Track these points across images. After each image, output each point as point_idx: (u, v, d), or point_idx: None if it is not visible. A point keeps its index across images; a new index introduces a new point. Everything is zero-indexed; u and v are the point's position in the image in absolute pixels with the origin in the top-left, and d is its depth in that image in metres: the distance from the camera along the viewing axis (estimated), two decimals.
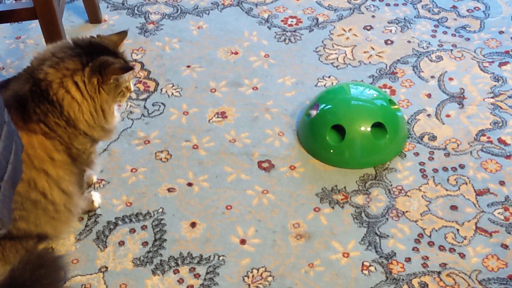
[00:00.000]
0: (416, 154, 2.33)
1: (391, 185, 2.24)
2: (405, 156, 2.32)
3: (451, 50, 2.67)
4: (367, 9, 2.88)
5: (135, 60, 2.67)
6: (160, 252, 2.09)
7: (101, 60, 1.82)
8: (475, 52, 2.66)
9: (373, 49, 2.70)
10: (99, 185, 2.27)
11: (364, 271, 2.04)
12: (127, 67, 1.86)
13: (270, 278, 2.03)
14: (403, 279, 2.01)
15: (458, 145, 2.35)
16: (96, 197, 2.20)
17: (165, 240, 2.12)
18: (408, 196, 2.21)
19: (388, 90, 2.52)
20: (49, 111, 1.82)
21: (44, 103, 1.81)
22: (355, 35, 2.76)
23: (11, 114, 1.78)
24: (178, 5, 2.93)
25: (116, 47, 1.93)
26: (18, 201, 1.81)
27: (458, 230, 2.12)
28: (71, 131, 1.86)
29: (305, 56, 2.68)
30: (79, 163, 1.93)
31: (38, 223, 1.90)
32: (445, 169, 2.28)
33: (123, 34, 1.97)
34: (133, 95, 2.54)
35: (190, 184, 2.27)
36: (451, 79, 2.56)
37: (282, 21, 2.84)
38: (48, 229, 1.94)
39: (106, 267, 2.07)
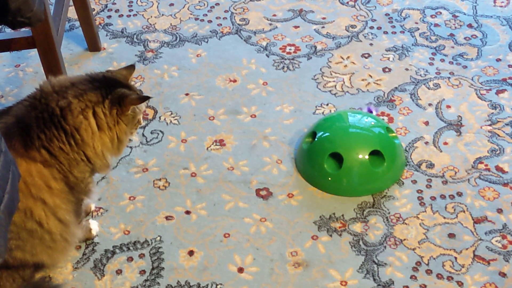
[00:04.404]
0: (414, 181, 2.33)
1: (389, 213, 2.24)
2: (403, 184, 2.32)
3: (449, 77, 2.68)
4: (365, 37, 2.89)
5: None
6: (158, 280, 2.09)
7: (119, 92, 1.89)
8: (472, 79, 2.67)
9: (371, 76, 2.71)
10: (97, 213, 2.28)
11: None
12: (144, 97, 1.93)
13: None
14: None
15: (455, 172, 2.35)
16: (94, 225, 2.20)
17: (163, 268, 2.12)
18: (406, 224, 2.21)
19: (386, 118, 2.53)
20: (55, 136, 1.84)
21: (50, 128, 1.83)
22: (353, 63, 2.78)
23: (13, 141, 1.80)
24: (177, 33, 2.95)
25: (126, 80, 1.99)
26: (14, 231, 1.81)
27: (456, 258, 2.11)
28: (73, 157, 1.87)
29: (303, 83, 2.69)
30: (76, 192, 1.93)
31: (34, 252, 1.90)
32: (442, 196, 2.28)
33: (131, 68, 2.03)
34: None
35: (188, 212, 2.27)
36: (448, 106, 2.57)
37: (280, 49, 2.85)
38: (44, 258, 1.94)
39: None
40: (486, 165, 2.37)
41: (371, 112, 2.48)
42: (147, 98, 1.94)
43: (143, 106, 1.98)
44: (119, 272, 2.12)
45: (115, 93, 1.89)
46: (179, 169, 2.41)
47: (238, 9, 3.06)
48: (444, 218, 2.22)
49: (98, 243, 2.20)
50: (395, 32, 2.91)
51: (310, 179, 2.35)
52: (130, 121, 1.94)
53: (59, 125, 1.84)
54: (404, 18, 2.97)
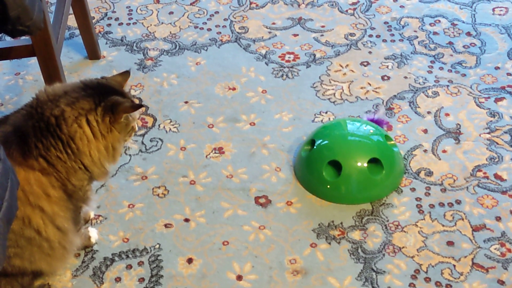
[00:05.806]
0: (413, 189, 2.33)
1: (387, 221, 2.24)
2: (402, 191, 2.33)
3: (448, 85, 2.69)
4: (364, 45, 2.90)
5: (134, 96, 2.68)
6: None
7: (112, 100, 1.88)
8: (471, 87, 2.68)
9: (370, 84, 2.71)
10: (96, 221, 2.28)
11: None
12: (137, 105, 1.93)
13: None
14: None
15: (454, 180, 2.35)
16: (93, 233, 2.20)
17: (162, 276, 2.12)
18: (404, 231, 2.21)
19: (384, 126, 2.53)
20: (52, 145, 1.84)
21: (47, 137, 1.84)
22: (352, 71, 2.78)
23: (11, 149, 1.80)
24: (176, 41, 2.95)
25: (121, 87, 1.99)
26: (12, 239, 1.81)
27: (454, 266, 2.11)
28: (71, 165, 1.88)
29: (302, 91, 2.70)
30: (74, 200, 1.93)
31: (33, 260, 1.90)
32: (441, 204, 2.28)
33: (126, 75, 2.02)
34: None
35: (187, 220, 2.28)
36: (447, 114, 2.57)
37: (279, 57, 2.86)
38: (43, 266, 1.94)
39: None
40: (484, 173, 2.37)
41: (375, 121, 2.48)
42: (140, 106, 1.94)
43: (136, 114, 1.98)
44: (118, 279, 2.12)
45: (108, 100, 1.88)
46: (178, 177, 2.41)
47: (237, 17, 3.07)
48: (443, 226, 2.22)
49: (97, 250, 2.20)
50: (394, 40, 2.91)
51: (309, 187, 2.35)
52: (123, 129, 1.93)
53: (55, 134, 1.84)
54: (403, 26, 2.98)
